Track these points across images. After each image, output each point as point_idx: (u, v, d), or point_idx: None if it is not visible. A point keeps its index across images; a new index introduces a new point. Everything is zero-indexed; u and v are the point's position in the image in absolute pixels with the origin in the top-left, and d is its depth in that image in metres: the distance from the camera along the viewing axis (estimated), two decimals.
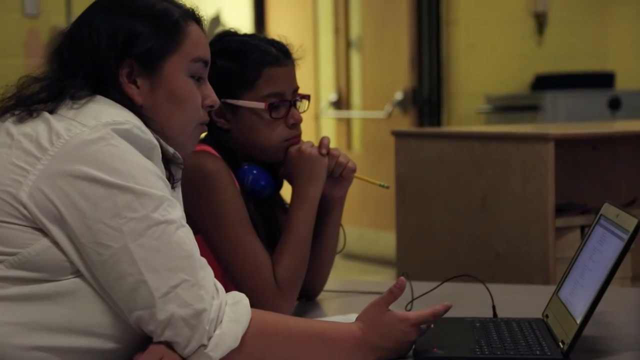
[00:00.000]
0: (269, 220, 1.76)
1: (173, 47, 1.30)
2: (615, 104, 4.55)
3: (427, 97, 5.00)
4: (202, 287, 1.17)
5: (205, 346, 1.17)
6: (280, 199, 1.81)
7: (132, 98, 1.27)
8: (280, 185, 1.77)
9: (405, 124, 5.03)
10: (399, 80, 5.14)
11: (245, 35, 1.72)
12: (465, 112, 4.89)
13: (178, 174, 1.30)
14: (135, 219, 1.15)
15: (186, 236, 1.20)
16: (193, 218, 1.60)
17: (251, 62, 1.66)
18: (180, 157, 1.31)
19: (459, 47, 4.91)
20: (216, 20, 6.63)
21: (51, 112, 1.22)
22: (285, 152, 1.69)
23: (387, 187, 1.74)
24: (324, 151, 1.69)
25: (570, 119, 4.40)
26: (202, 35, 1.34)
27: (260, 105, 1.65)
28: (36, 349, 1.16)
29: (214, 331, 1.17)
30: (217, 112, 1.68)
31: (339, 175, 1.72)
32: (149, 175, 1.19)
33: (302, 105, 1.72)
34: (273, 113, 1.66)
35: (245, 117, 1.66)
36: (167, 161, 1.27)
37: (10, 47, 3.93)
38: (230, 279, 1.61)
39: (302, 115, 1.71)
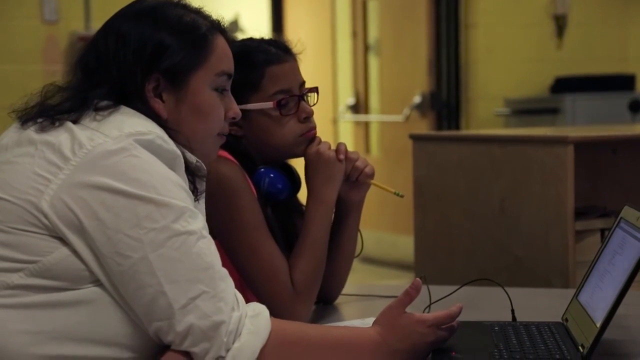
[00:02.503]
0: (286, 224, 1.77)
1: (200, 61, 1.30)
2: (635, 107, 4.52)
3: (445, 100, 4.99)
4: (222, 299, 1.17)
5: (223, 358, 1.17)
6: (298, 203, 1.81)
7: (158, 112, 1.28)
8: (297, 188, 1.77)
9: (424, 127, 5.03)
10: (417, 83, 5.14)
11: (242, 40, 1.73)
12: (484, 116, 4.88)
13: (202, 185, 1.30)
14: (155, 230, 1.16)
15: (207, 247, 1.20)
16: (209, 223, 1.60)
17: (253, 64, 1.66)
18: (204, 168, 1.31)
19: (477, 50, 4.90)
20: (234, 24, 6.65)
21: (74, 122, 1.22)
22: (302, 146, 1.68)
23: (402, 196, 1.73)
24: (341, 157, 1.69)
25: (590, 122, 4.38)
26: (228, 48, 1.35)
27: (269, 104, 1.65)
28: (54, 358, 1.17)
29: (233, 343, 1.17)
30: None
31: (355, 179, 1.72)
32: (170, 185, 1.19)
33: (311, 98, 1.72)
34: (283, 110, 1.66)
35: (257, 120, 1.67)
36: (191, 172, 1.28)
37: (29, 54, 3.96)
38: (247, 284, 1.61)
39: (314, 110, 1.71)
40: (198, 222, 1.21)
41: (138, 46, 1.27)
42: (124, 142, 1.18)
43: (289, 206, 1.78)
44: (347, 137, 5.70)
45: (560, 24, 5.00)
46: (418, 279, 1.38)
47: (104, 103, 1.24)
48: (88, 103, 1.24)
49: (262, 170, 1.69)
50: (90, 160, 1.17)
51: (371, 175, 1.73)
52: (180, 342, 1.17)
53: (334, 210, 1.70)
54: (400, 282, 4.47)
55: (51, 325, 1.17)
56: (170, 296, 1.15)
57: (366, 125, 5.66)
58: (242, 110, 1.67)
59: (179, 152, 1.24)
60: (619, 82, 4.80)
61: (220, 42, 1.33)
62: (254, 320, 1.21)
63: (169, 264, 1.15)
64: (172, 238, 1.16)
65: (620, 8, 5.15)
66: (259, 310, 1.23)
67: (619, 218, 1.47)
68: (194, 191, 1.28)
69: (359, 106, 5.66)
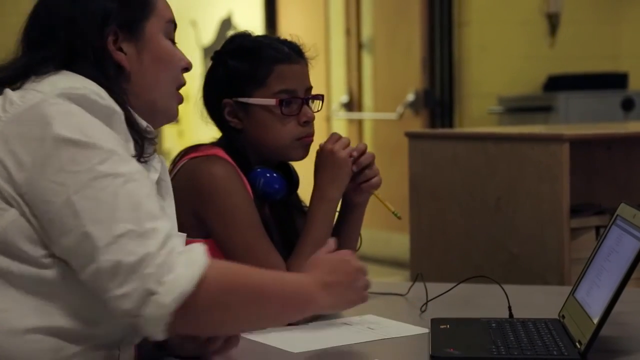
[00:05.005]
0: (285, 222, 1.77)
1: (150, 9, 1.31)
2: (628, 105, 4.53)
3: (439, 98, 4.99)
4: (150, 237, 1.12)
5: (155, 293, 1.10)
6: (298, 201, 1.82)
7: (122, 64, 1.28)
8: (294, 188, 1.78)
9: (417, 125, 5.03)
10: (411, 81, 5.14)
11: (258, 36, 1.74)
12: (477, 113, 4.89)
13: (150, 148, 1.28)
14: (79, 172, 1.13)
15: (136, 189, 1.15)
16: (205, 222, 1.61)
17: (263, 60, 1.67)
18: (153, 131, 1.30)
19: (471, 48, 4.90)
20: (227, 22, 6.64)
21: (15, 89, 1.22)
22: (298, 150, 1.69)
23: (400, 218, 1.74)
24: (354, 154, 1.69)
25: (583, 120, 4.39)
26: None
27: (271, 101, 1.66)
28: (32, 331, 1.15)
29: (165, 277, 1.11)
30: (229, 112, 1.69)
31: (359, 184, 1.72)
32: (98, 129, 1.16)
33: (315, 105, 1.73)
34: (284, 109, 1.66)
35: (257, 115, 1.67)
36: (139, 135, 1.26)
37: None
38: None
39: (314, 114, 1.72)
40: (129, 166, 1.17)
41: (90, 4, 1.28)
42: (54, 97, 1.17)
43: (289, 204, 1.78)
44: (341, 133, 5.69)
45: (553, 22, 5.01)
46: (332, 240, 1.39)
47: (45, 68, 1.24)
48: (29, 71, 1.24)
49: (259, 170, 1.69)
50: (19, 113, 1.17)
51: (375, 187, 1.73)
52: (112, 285, 1.11)
53: (337, 209, 1.70)
54: (395, 279, 4.48)
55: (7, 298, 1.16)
56: (94, 236, 1.11)
57: (360, 123, 5.66)
58: (244, 103, 1.69)
59: (117, 109, 1.22)
60: (611, 81, 4.81)
61: None
62: (189, 255, 1.14)
63: (92, 205, 1.12)
64: (97, 179, 1.13)
65: (612, 6, 5.16)
66: (194, 246, 1.16)
67: (615, 215, 1.48)
68: (141, 153, 1.25)
69: (352, 104, 5.65)
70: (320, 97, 1.73)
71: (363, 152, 1.71)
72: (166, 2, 1.35)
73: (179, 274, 1.12)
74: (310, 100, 1.71)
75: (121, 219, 1.12)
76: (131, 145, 1.24)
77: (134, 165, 1.19)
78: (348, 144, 1.70)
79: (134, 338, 1.28)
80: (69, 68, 1.25)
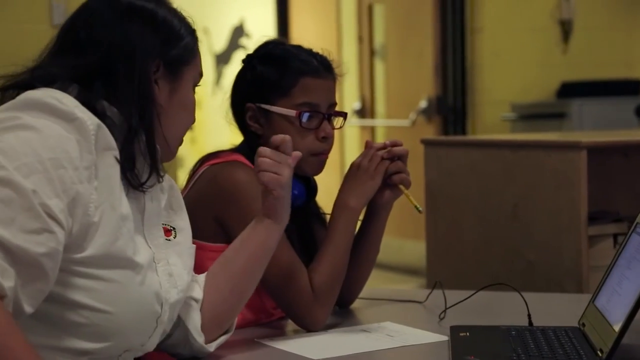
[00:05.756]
0: (304, 229, 1.77)
1: (192, 57, 1.34)
2: None
3: (451, 105, 4.99)
4: None
5: None
6: (316, 208, 1.82)
7: (155, 96, 1.28)
8: (313, 195, 1.78)
9: (430, 132, 5.02)
10: (424, 88, 5.13)
11: (290, 45, 1.75)
12: (490, 120, 4.88)
13: (153, 180, 1.28)
14: None
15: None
16: (227, 228, 1.62)
17: (289, 70, 1.68)
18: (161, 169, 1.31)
19: (483, 54, 4.90)
20: (239, 29, 6.66)
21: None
22: (313, 166, 1.70)
23: (421, 212, 1.73)
24: (387, 142, 1.69)
25: (597, 127, 4.38)
26: None
27: (292, 112, 1.67)
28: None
29: None
30: (251, 116, 1.70)
31: (388, 176, 1.70)
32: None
33: (337, 121, 1.73)
34: (304, 122, 1.67)
35: (277, 123, 1.68)
36: (154, 162, 1.27)
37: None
38: (265, 289, 1.62)
39: (334, 131, 1.72)
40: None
41: (159, 26, 1.29)
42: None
43: (307, 211, 1.79)
44: (354, 141, 5.70)
45: (566, 28, 5.00)
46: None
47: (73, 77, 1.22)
48: (58, 78, 1.22)
49: None
50: None
51: (407, 182, 1.71)
52: None
53: (358, 218, 1.70)
54: (407, 286, 4.47)
55: None
56: None
57: (372, 129, 5.66)
58: (266, 110, 1.69)
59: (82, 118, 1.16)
60: (625, 87, 4.80)
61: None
62: None
63: None
64: None
65: (625, 13, 5.15)
66: None
67: (635, 223, 1.47)
68: (144, 181, 1.25)
69: (365, 111, 5.66)
70: (343, 115, 1.74)
71: (396, 144, 1.70)
72: (201, 57, 1.38)
73: None
74: (332, 117, 1.71)
75: None
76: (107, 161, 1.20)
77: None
78: (379, 159, 1.69)
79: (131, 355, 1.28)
80: (88, 82, 1.24)
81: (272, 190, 1.44)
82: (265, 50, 1.73)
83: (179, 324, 1.38)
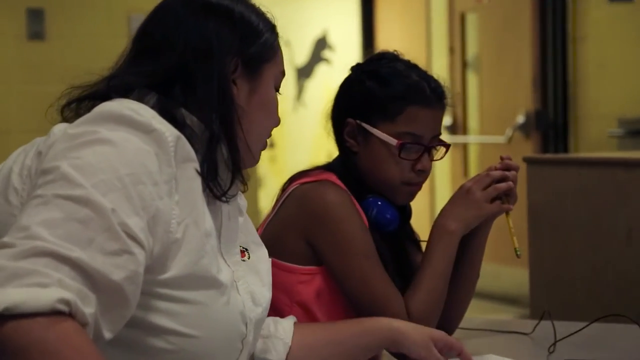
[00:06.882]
0: (399, 254, 1.77)
1: (273, 54, 1.33)
2: None
3: (552, 120, 4.93)
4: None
5: None
6: (411, 231, 1.83)
7: (233, 98, 1.28)
8: (406, 218, 1.78)
9: (528, 149, 4.96)
10: (521, 102, 5.08)
11: (405, 63, 1.74)
12: (595, 137, 4.80)
13: (235, 189, 1.28)
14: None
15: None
16: (318, 250, 1.63)
17: (399, 96, 1.67)
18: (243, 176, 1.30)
19: (587, 65, 4.83)
20: (322, 41, 6.73)
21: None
22: (402, 195, 1.71)
23: (519, 256, 1.70)
24: (498, 166, 1.69)
25: None
26: None
27: (393, 140, 1.67)
28: None
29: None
30: (349, 132, 1.71)
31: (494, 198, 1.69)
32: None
33: (438, 152, 1.73)
34: (403, 153, 1.67)
35: (374, 146, 1.69)
36: (237, 168, 1.27)
37: None
38: (357, 314, 1.62)
39: (432, 165, 1.72)
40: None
41: (235, 22, 1.28)
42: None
43: (401, 234, 1.79)
44: (444, 159, 5.66)
45: None
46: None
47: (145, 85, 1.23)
48: (131, 87, 1.23)
49: (371, 199, 1.70)
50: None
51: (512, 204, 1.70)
52: None
53: (458, 242, 1.69)
54: (505, 317, 4.41)
55: None
56: None
57: (464, 147, 5.62)
58: (365, 129, 1.70)
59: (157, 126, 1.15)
60: None
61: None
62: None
63: None
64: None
65: None
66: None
67: None
68: (227, 189, 1.25)
69: (456, 126, 5.63)
70: (446, 145, 1.73)
71: (511, 168, 1.69)
72: (282, 54, 1.37)
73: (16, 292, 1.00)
74: (433, 148, 1.71)
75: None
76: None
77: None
78: (489, 184, 1.68)
79: None
80: (167, 88, 1.24)
81: None
82: (378, 66, 1.72)
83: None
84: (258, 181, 4.71)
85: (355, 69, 1.75)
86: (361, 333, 1.47)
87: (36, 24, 4.07)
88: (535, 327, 1.83)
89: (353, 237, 1.62)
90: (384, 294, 1.60)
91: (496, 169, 1.69)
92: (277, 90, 1.36)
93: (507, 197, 1.69)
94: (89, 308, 1.03)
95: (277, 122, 1.36)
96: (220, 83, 1.25)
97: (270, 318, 1.45)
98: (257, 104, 1.31)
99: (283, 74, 1.36)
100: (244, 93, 1.30)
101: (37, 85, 4.01)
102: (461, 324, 1.82)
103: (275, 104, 1.35)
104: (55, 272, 1.01)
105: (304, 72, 6.77)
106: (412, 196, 1.73)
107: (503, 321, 2.32)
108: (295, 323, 1.47)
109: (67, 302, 1.00)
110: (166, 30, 1.27)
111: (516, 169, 1.71)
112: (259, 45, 1.30)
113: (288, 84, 6.75)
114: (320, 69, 6.75)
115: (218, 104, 1.25)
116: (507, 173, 1.69)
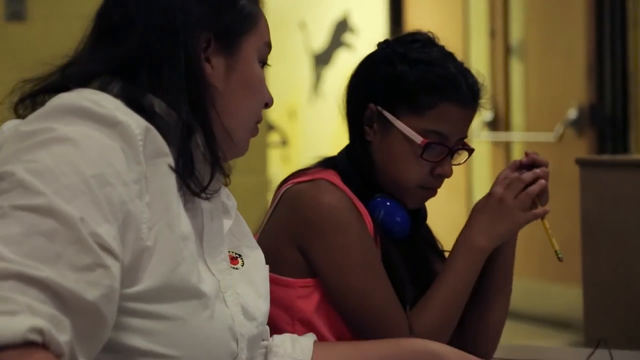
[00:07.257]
0: (414, 258, 1.77)
1: (252, 24, 1.32)
2: None
3: (609, 115, 4.93)
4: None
5: None
6: (430, 235, 1.83)
7: (208, 79, 1.27)
8: (420, 224, 1.77)
9: (582, 149, 4.97)
10: (573, 94, 5.09)
11: (441, 49, 1.73)
12: None
13: (217, 184, 1.28)
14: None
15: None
16: (310, 260, 1.63)
17: (433, 89, 1.67)
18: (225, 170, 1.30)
19: None
20: (343, 23, 6.73)
21: None
22: (416, 198, 1.72)
23: (561, 260, 1.70)
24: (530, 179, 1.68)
25: None
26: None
27: (418, 138, 1.67)
28: None
29: None
30: (367, 117, 1.70)
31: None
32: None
33: (461, 157, 1.75)
34: (426, 154, 1.68)
35: (394, 140, 1.69)
36: (216, 161, 1.26)
37: None
38: (356, 335, 1.63)
39: (453, 169, 1.73)
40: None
41: (187, 1, 1.27)
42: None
43: (421, 239, 1.79)
44: (484, 159, 5.66)
45: None
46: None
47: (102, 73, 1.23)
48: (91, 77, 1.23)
49: (379, 199, 1.70)
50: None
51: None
52: None
53: (484, 260, 1.69)
54: (556, 342, 4.40)
55: None
56: None
57: (507, 145, 5.62)
58: (386, 118, 1.69)
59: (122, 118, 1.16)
60: None
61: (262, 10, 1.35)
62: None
63: None
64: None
65: None
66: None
67: None
68: (207, 185, 1.24)
69: (498, 122, 5.63)
70: (469, 150, 1.75)
71: (540, 163, 1.71)
72: (267, 22, 1.36)
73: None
74: (457, 151, 1.72)
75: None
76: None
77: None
78: (522, 188, 1.68)
79: None
80: (132, 73, 1.24)
81: None
82: (409, 50, 1.71)
83: None
84: (268, 184, 4.71)
85: (384, 47, 1.74)
86: (395, 355, 1.49)
87: (15, 3, 4.08)
88: (589, 357, 1.82)
89: (351, 248, 1.62)
90: (384, 316, 1.61)
91: (521, 164, 1.71)
92: (264, 65, 1.36)
93: (539, 197, 1.70)
94: (64, 335, 1.02)
95: (264, 100, 1.35)
96: (188, 62, 1.25)
97: (288, 336, 1.47)
98: (238, 83, 1.31)
99: (269, 45, 1.36)
100: (221, 71, 1.29)
101: (17, 72, 4.02)
102: (502, 352, 1.82)
103: (260, 81, 1.34)
104: (22, 296, 1.00)
105: (322, 59, 6.78)
106: (424, 201, 1.75)
107: (551, 349, 2.30)
108: (315, 342, 1.48)
109: (39, 331, 0.99)
110: (125, 8, 1.27)
111: (545, 164, 1.71)
112: (233, 15, 1.30)
113: (304, 73, 6.77)
114: (341, 55, 6.75)
115: (186, 86, 1.24)
116: (537, 172, 1.69)
